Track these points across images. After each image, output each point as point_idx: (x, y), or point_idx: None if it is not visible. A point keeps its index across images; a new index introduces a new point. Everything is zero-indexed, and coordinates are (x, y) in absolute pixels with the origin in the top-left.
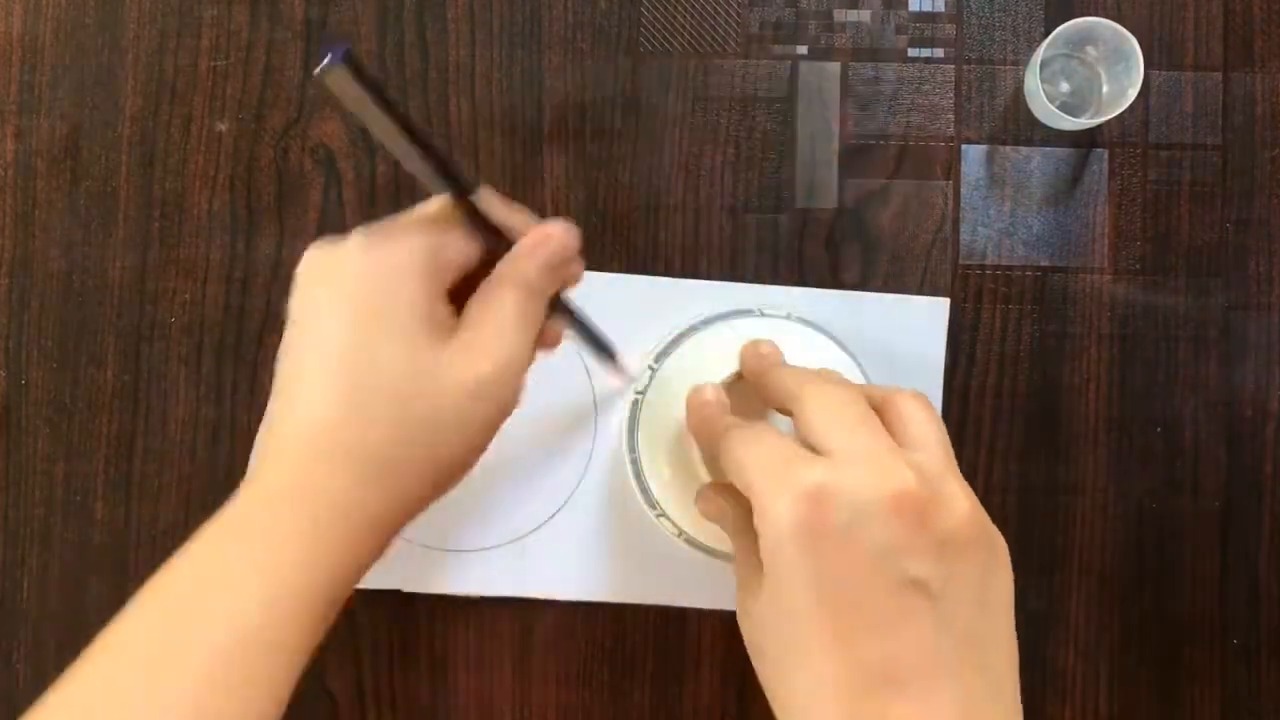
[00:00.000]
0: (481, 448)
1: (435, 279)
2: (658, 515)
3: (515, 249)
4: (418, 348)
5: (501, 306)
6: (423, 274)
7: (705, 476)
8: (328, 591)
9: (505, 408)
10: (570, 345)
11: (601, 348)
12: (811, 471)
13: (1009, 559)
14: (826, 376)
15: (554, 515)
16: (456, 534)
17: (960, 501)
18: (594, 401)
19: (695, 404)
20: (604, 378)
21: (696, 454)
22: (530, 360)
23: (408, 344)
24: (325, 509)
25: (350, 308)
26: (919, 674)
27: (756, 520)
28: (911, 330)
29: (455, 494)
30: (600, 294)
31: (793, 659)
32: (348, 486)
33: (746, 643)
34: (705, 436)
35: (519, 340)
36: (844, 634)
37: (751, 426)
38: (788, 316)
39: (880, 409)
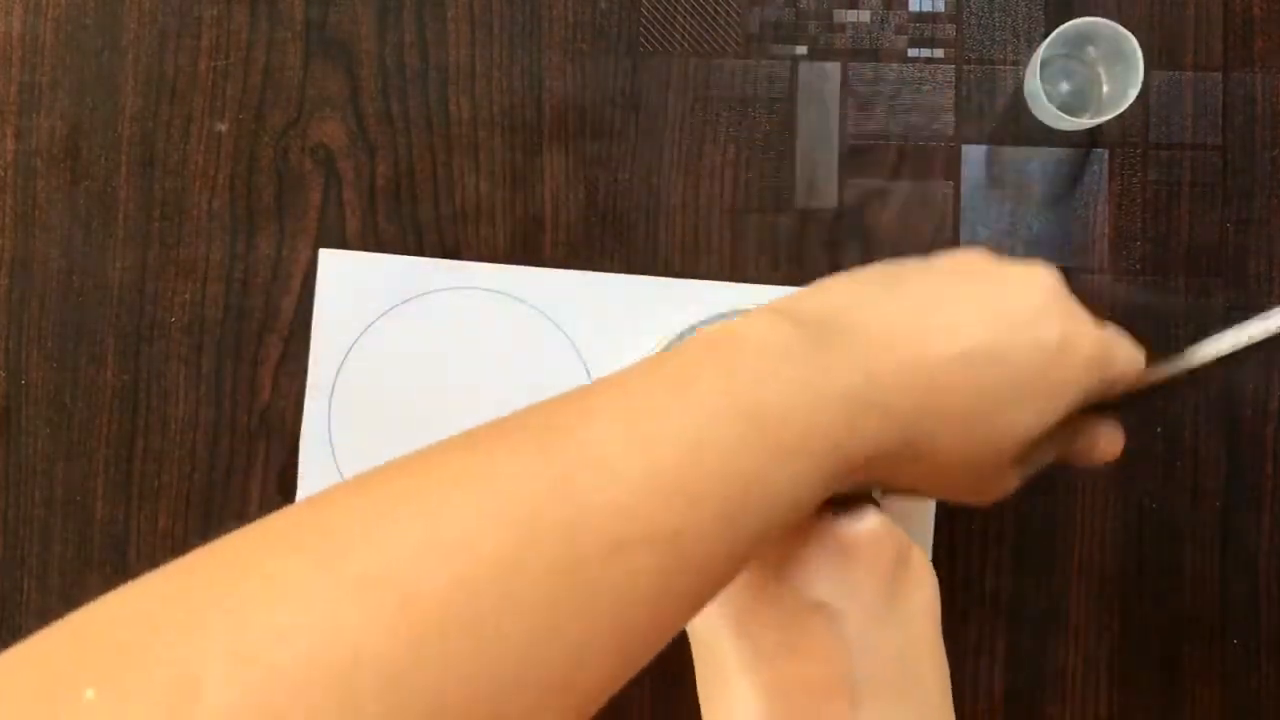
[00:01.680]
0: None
1: None
2: None
3: None
4: None
5: None
6: None
7: None
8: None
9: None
10: (567, 345)
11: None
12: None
13: (929, 574)
14: None
15: None
16: None
17: (858, 517)
18: None
19: None
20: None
21: None
22: None
23: None
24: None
25: None
26: (835, 695)
27: None
28: None
29: None
30: (600, 294)
31: (714, 684)
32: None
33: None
34: None
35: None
36: (753, 659)
37: None
38: None
39: None
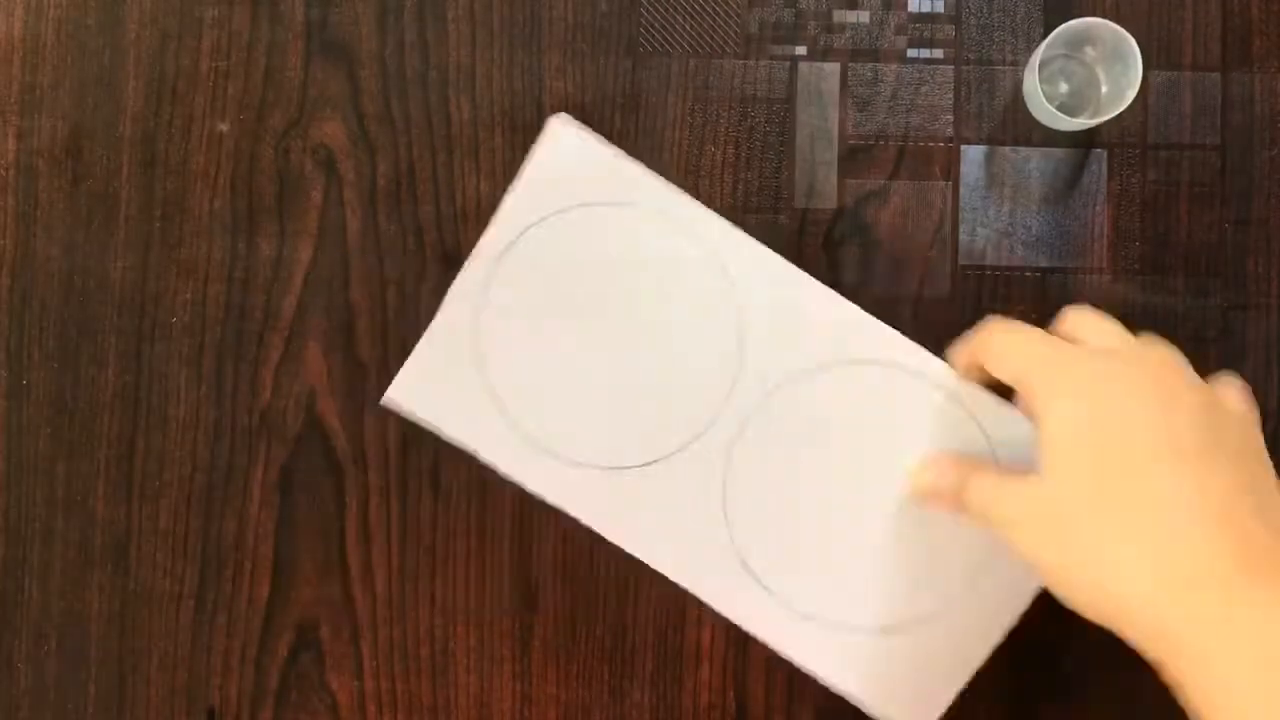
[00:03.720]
0: None
1: None
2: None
3: None
4: None
5: None
6: None
7: None
8: None
9: None
10: (732, 316)
11: None
12: (1079, 369)
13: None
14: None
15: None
16: (572, 444)
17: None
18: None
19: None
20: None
21: None
22: None
23: None
24: None
25: None
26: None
27: (1037, 413)
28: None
29: (587, 400)
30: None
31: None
32: None
33: (1020, 542)
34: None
35: None
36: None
37: (1014, 326)
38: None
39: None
